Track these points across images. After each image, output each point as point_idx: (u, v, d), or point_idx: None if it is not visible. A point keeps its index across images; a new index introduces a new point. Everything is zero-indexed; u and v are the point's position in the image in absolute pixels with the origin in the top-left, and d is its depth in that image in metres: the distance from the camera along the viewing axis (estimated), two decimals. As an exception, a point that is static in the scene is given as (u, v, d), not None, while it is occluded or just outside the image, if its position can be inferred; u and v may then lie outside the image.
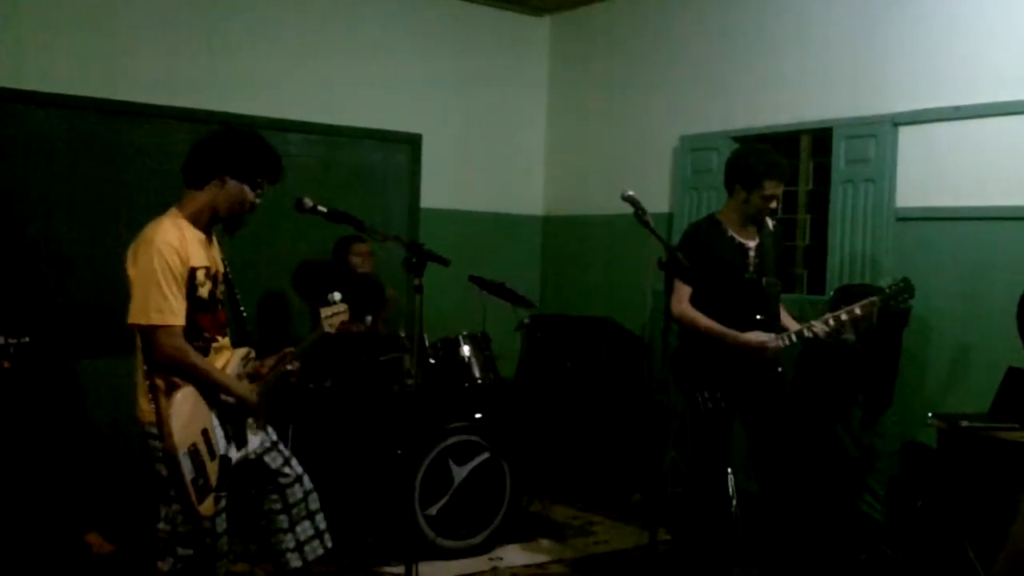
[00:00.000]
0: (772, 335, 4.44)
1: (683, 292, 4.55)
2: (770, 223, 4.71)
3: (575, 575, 5.02)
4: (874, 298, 4.39)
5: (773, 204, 4.52)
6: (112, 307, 5.62)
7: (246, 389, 3.54)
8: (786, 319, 4.65)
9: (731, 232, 4.58)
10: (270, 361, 3.71)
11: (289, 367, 3.72)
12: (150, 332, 3.31)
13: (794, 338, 4.45)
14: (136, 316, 3.33)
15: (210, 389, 3.42)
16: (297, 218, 4.20)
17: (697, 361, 4.53)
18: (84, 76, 5.87)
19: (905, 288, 4.45)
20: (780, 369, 4.56)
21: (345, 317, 3.89)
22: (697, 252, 4.50)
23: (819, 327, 4.42)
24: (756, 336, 4.43)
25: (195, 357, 3.39)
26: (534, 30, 7.88)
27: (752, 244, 4.59)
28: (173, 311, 3.33)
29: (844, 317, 4.40)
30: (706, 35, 6.60)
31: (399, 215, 7.17)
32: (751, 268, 4.56)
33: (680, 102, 6.77)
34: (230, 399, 3.48)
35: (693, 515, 4.66)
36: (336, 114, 6.84)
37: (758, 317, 4.46)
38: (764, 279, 4.55)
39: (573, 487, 6.26)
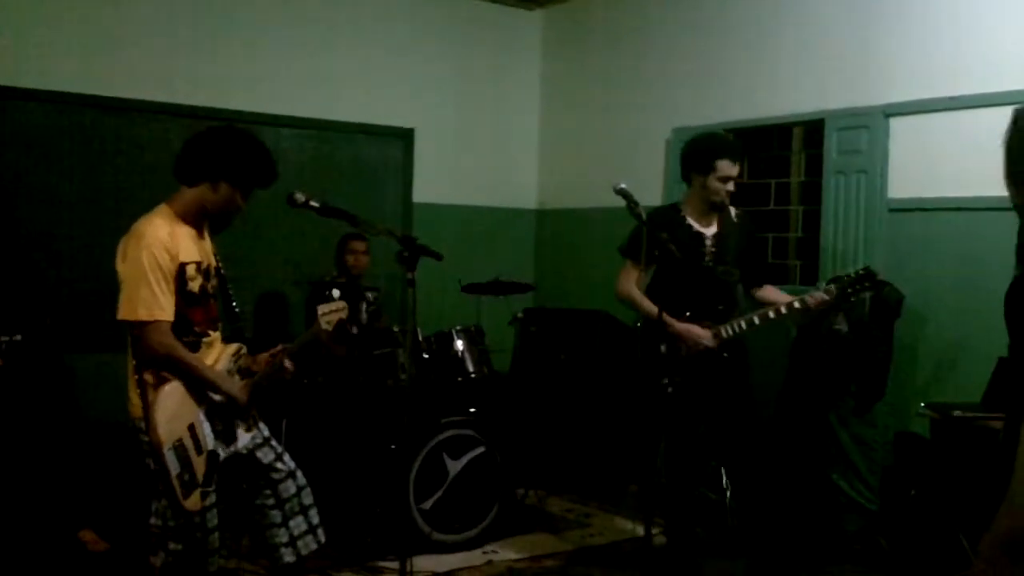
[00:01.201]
0: (707, 331, 4.40)
1: (631, 274, 4.60)
2: (734, 212, 4.69)
3: (571, 568, 5.02)
4: (831, 286, 4.38)
5: (731, 186, 4.49)
6: (106, 304, 5.66)
7: (234, 386, 3.54)
8: (777, 295, 4.64)
9: (689, 220, 4.58)
10: (263, 358, 3.70)
11: (286, 363, 3.71)
12: (138, 328, 3.32)
13: (743, 325, 4.41)
14: (125, 312, 3.33)
15: (198, 385, 3.42)
16: (292, 214, 4.20)
17: (653, 346, 4.52)
18: (81, 73, 5.88)
19: (863, 277, 4.39)
20: (726, 355, 4.48)
21: (343, 315, 3.87)
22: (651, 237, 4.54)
23: (773, 313, 4.41)
24: (689, 329, 4.41)
25: (183, 352, 3.39)
26: (527, 23, 7.88)
27: (710, 233, 4.57)
28: (161, 307, 3.33)
29: (797, 305, 4.38)
30: (699, 27, 6.60)
31: (392, 209, 7.18)
32: (707, 257, 4.53)
33: (673, 94, 6.77)
34: (218, 396, 3.48)
35: (663, 504, 4.63)
36: (329, 109, 6.84)
37: (720, 307, 4.41)
38: (719, 268, 4.51)
39: (568, 480, 6.26)
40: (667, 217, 4.60)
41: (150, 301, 3.30)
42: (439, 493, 5.08)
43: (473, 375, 5.46)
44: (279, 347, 3.74)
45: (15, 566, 4.55)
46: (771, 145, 6.37)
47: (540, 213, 7.97)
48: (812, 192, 6.01)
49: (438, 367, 5.44)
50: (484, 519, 5.22)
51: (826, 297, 4.38)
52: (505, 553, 5.13)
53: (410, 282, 3.75)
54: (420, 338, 5.44)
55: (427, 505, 5.03)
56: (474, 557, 5.04)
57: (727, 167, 4.45)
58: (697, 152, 4.54)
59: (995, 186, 4.94)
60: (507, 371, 6.46)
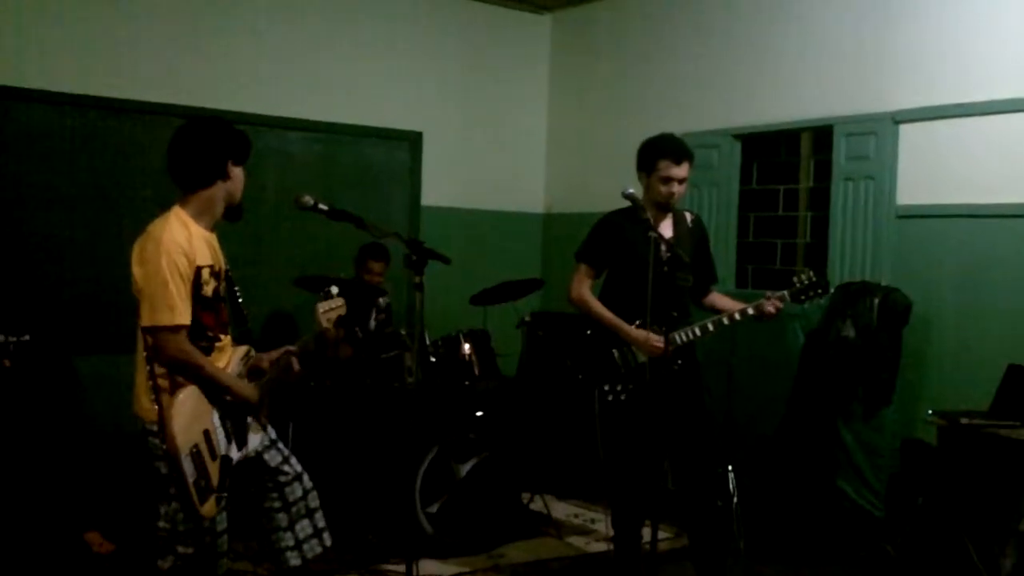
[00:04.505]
0: (659, 337, 4.27)
1: (584, 279, 4.56)
2: (689, 218, 4.65)
3: (576, 572, 5.02)
4: (783, 292, 4.35)
5: (675, 188, 4.41)
6: (112, 304, 5.71)
7: (249, 389, 3.54)
8: (726, 302, 4.57)
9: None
10: (269, 357, 3.70)
11: (292, 364, 3.71)
12: (156, 332, 3.31)
13: (696, 332, 4.35)
14: (147, 319, 3.31)
15: (212, 389, 3.41)
16: (298, 217, 4.20)
17: (598, 352, 4.48)
18: (85, 74, 5.88)
19: (815, 284, 4.32)
20: (680, 362, 4.40)
21: (342, 311, 3.85)
22: (609, 240, 4.51)
23: (727, 319, 4.35)
24: (642, 334, 4.33)
25: (199, 358, 3.38)
26: (535, 27, 7.88)
27: (665, 236, 4.43)
28: (180, 311, 3.32)
29: (751, 312, 4.32)
30: (707, 32, 6.60)
31: (400, 213, 7.18)
32: (662, 260, 4.37)
33: (681, 100, 6.77)
34: (230, 397, 3.47)
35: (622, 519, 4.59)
36: (337, 112, 6.85)
37: (674, 314, 4.32)
38: (678, 274, 4.39)
39: (574, 484, 6.25)
40: (623, 219, 4.55)
41: (171, 306, 3.30)
42: (445, 496, 5.08)
43: (479, 379, 5.45)
44: (285, 348, 3.74)
45: (21, 567, 4.56)
46: (779, 151, 6.36)
47: (547, 217, 7.97)
48: (820, 198, 6.00)
49: (445, 371, 5.44)
50: (490, 523, 5.22)
51: (780, 304, 4.31)
52: (510, 557, 5.12)
53: (418, 286, 3.75)
54: (427, 341, 5.44)
55: (433, 508, 5.03)
56: (480, 561, 5.04)
57: (667, 167, 4.38)
58: (642, 152, 4.51)
59: (1003, 193, 5.00)
60: (514, 375, 6.46)
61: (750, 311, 4.34)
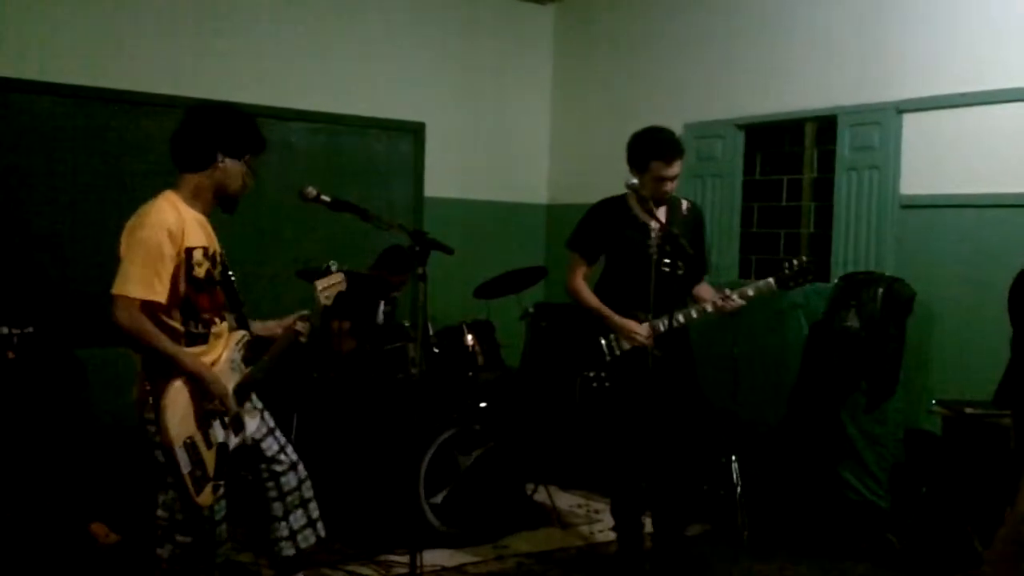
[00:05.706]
0: (645, 325, 4.30)
1: (579, 268, 4.57)
2: (684, 205, 4.61)
3: (580, 563, 5.02)
4: (770, 279, 4.33)
5: (667, 186, 4.38)
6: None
7: (209, 372, 3.42)
8: (711, 293, 4.52)
9: (635, 211, 4.47)
10: (283, 324, 3.69)
11: (303, 333, 3.69)
12: (113, 300, 3.23)
13: (679, 319, 4.31)
14: (116, 287, 3.26)
15: (168, 366, 3.32)
16: (302, 208, 4.20)
17: (585, 341, 4.48)
18: (87, 65, 5.88)
19: (804, 270, 4.32)
20: (657, 353, 4.31)
21: (342, 287, 3.78)
22: (597, 228, 4.51)
23: (709, 307, 4.35)
24: (628, 323, 4.34)
25: (153, 332, 3.28)
26: (537, 18, 7.87)
27: (655, 225, 4.38)
28: (141, 284, 3.24)
29: (736, 298, 4.32)
30: (711, 22, 6.58)
31: (403, 204, 7.18)
32: (651, 248, 4.39)
33: (684, 89, 6.76)
34: (191, 377, 3.37)
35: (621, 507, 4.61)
36: (339, 103, 6.85)
37: (666, 301, 4.28)
38: (665, 260, 4.37)
39: (578, 475, 6.25)
40: (613, 208, 4.55)
41: (131, 276, 3.23)
42: (449, 487, 5.08)
43: (483, 369, 5.45)
44: (291, 319, 3.72)
45: (26, 559, 4.57)
46: (783, 141, 6.35)
47: (550, 208, 7.96)
48: (824, 188, 5.99)
49: (448, 361, 5.44)
50: (494, 514, 5.22)
51: (759, 291, 4.32)
52: (515, 548, 5.12)
53: (421, 276, 3.75)
54: (430, 332, 5.44)
55: (437, 499, 5.03)
56: (484, 552, 5.04)
57: (660, 168, 4.33)
58: (633, 150, 4.45)
59: (1007, 182, 4.99)
60: (517, 366, 6.46)
61: (736, 298, 4.31)
